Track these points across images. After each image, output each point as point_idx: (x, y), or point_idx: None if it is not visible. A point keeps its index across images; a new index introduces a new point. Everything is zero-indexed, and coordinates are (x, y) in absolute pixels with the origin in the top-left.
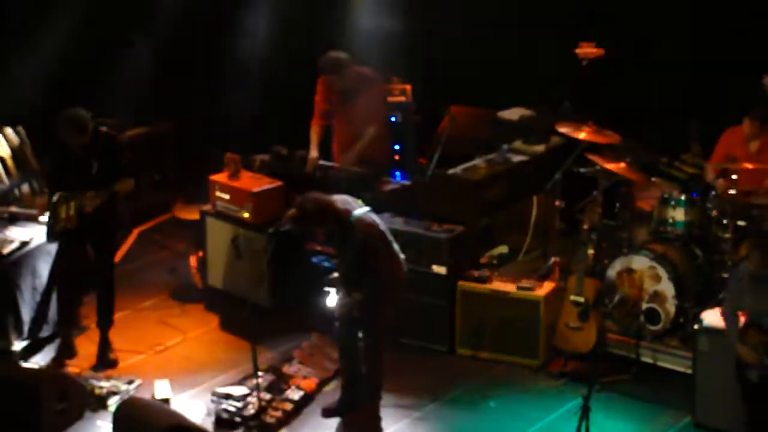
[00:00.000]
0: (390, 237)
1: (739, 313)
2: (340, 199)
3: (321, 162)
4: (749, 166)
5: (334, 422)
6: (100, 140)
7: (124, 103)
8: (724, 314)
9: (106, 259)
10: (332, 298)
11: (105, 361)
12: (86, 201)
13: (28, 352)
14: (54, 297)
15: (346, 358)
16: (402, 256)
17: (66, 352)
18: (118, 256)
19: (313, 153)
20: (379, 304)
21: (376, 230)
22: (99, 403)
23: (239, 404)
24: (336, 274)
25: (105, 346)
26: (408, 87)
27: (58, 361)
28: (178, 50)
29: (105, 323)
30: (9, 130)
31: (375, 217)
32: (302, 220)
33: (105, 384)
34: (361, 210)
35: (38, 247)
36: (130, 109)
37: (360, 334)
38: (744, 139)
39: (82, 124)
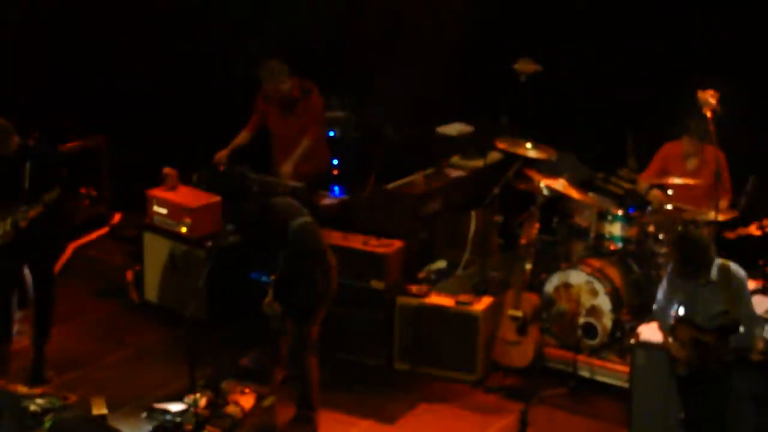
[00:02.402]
0: (327, 249)
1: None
2: (282, 204)
3: (258, 176)
4: (685, 181)
5: None
6: (30, 153)
7: (59, 115)
8: (655, 312)
9: (45, 274)
10: (266, 300)
11: (40, 378)
12: (19, 215)
13: None
14: None
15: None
16: (336, 268)
17: (1, 369)
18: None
19: (223, 152)
20: (307, 313)
21: (313, 240)
22: (34, 420)
23: (177, 420)
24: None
25: (40, 361)
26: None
27: None
28: (116, 61)
29: (41, 339)
30: None
31: (315, 228)
32: (238, 222)
33: (40, 401)
34: (302, 219)
35: None
36: (65, 122)
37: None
38: (681, 155)
39: None
